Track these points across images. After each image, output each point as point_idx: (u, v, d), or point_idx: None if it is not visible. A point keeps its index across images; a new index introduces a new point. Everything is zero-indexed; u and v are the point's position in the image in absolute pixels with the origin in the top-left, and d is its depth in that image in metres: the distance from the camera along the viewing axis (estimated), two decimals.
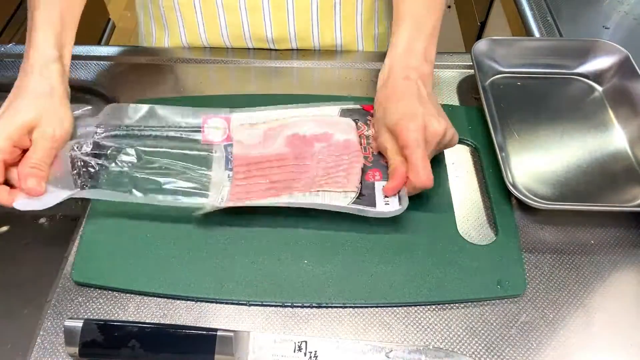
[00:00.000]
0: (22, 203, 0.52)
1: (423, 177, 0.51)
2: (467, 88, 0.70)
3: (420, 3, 0.61)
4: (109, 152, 0.58)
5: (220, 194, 0.55)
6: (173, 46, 0.77)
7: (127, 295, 0.51)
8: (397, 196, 0.54)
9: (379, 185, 0.55)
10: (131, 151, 0.58)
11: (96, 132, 0.60)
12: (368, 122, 0.61)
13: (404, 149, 0.53)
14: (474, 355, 0.47)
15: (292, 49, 0.76)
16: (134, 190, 0.55)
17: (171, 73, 0.72)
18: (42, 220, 0.74)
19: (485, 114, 0.62)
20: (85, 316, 0.49)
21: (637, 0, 0.91)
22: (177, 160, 0.58)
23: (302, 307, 0.50)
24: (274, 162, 0.58)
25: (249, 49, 0.76)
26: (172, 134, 0.61)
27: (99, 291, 0.51)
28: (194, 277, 0.51)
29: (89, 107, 0.61)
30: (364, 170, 0.56)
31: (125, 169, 0.57)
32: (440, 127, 0.54)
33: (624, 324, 0.50)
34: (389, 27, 0.81)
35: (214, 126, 0.61)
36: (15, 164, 0.54)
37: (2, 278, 0.67)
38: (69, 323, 0.45)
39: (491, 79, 0.71)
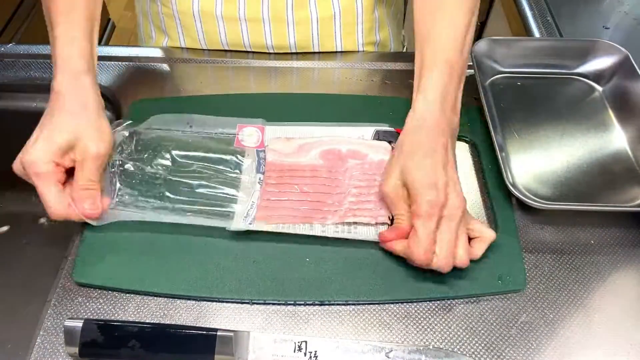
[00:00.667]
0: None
1: (421, 251, 0.47)
2: (467, 88, 0.70)
3: (451, 44, 0.56)
4: (145, 155, 0.59)
5: (251, 197, 0.56)
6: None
7: (127, 295, 0.51)
8: None
9: None
10: (167, 155, 0.59)
11: (135, 133, 0.60)
12: None
13: (414, 217, 0.49)
14: (474, 355, 0.47)
15: (292, 52, 0.76)
16: (166, 201, 0.56)
17: (171, 73, 0.72)
18: (42, 220, 0.74)
19: (485, 114, 0.62)
20: (85, 316, 0.49)
21: (637, 0, 0.91)
22: (210, 164, 0.59)
23: (304, 304, 0.50)
24: (307, 172, 0.58)
25: (248, 52, 0.76)
26: (207, 138, 0.61)
27: (99, 291, 0.51)
28: (197, 276, 0.51)
29: (128, 122, 0.61)
30: None
31: (160, 172, 0.58)
32: (460, 201, 0.50)
33: (624, 324, 0.50)
34: (391, 32, 0.81)
35: (247, 133, 0.62)
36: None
37: (2, 278, 0.67)
38: (69, 323, 0.45)
39: (491, 79, 0.71)
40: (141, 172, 0.58)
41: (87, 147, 0.52)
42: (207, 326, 0.48)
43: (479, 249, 0.51)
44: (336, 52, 0.77)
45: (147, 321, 0.49)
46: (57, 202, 0.51)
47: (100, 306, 0.50)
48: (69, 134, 0.52)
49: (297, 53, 0.76)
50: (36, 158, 0.50)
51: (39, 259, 0.68)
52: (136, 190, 0.56)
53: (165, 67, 0.73)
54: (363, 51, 0.78)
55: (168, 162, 0.58)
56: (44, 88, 0.69)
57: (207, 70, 0.73)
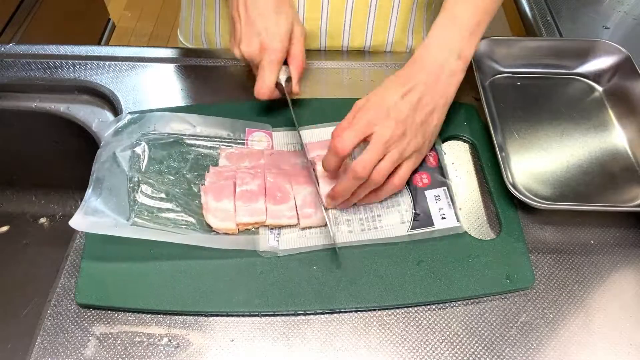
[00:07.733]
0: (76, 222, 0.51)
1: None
2: (467, 88, 0.70)
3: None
4: (161, 168, 0.58)
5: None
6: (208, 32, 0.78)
7: None
8: (453, 211, 0.56)
9: (430, 195, 0.57)
10: (185, 166, 0.59)
11: (147, 144, 0.60)
12: None
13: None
14: (474, 355, 0.47)
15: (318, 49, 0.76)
16: (188, 212, 0.55)
17: (171, 74, 0.72)
18: (42, 220, 0.74)
19: (485, 114, 0.62)
20: (85, 318, 0.49)
21: (637, 0, 0.91)
22: None
23: (314, 314, 0.50)
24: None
25: None
26: (216, 144, 0.62)
27: None
28: (203, 291, 0.50)
29: (128, 117, 0.61)
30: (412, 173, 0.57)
31: (179, 184, 0.57)
32: (386, 132, 0.52)
33: (624, 324, 0.50)
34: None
35: (257, 139, 0.62)
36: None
37: (2, 278, 0.67)
38: None
39: (491, 79, 0.71)
40: (159, 184, 0.57)
41: (299, 29, 0.62)
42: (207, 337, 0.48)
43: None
44: (364, 51, 0.76)
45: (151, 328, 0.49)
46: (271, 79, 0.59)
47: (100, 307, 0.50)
48: (290, 17, 0.61)
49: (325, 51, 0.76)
50: (276, 32, 0.58)
51: (39, 259, 0.68)
52: (156, 203, 0.55)
53: (165, 67, 0.73)
54: (390, 52, 0.77)
55: (185, 173, 0.58)
56: (44, 88, 0.69)
57: (207, 71, 0.73)
